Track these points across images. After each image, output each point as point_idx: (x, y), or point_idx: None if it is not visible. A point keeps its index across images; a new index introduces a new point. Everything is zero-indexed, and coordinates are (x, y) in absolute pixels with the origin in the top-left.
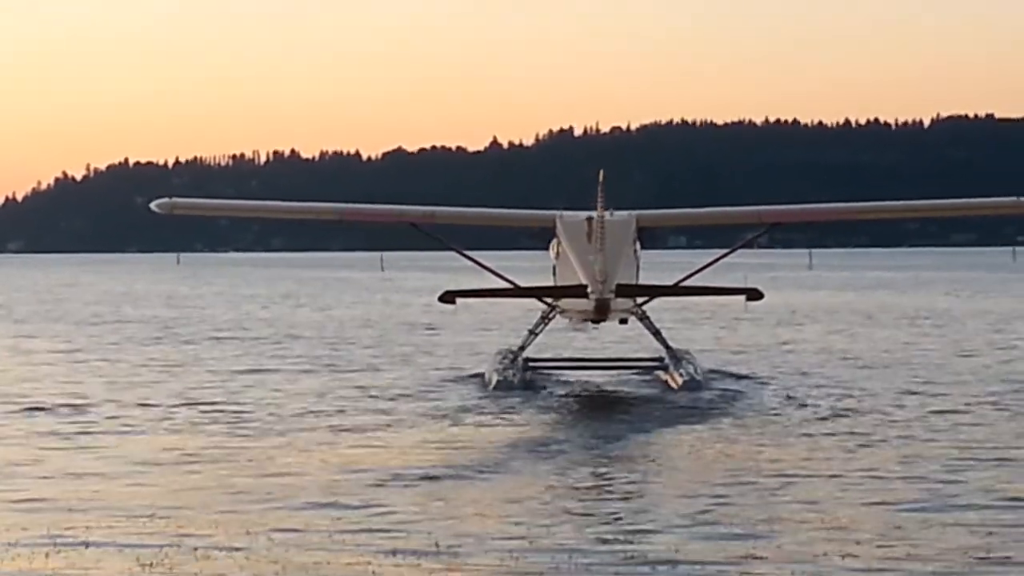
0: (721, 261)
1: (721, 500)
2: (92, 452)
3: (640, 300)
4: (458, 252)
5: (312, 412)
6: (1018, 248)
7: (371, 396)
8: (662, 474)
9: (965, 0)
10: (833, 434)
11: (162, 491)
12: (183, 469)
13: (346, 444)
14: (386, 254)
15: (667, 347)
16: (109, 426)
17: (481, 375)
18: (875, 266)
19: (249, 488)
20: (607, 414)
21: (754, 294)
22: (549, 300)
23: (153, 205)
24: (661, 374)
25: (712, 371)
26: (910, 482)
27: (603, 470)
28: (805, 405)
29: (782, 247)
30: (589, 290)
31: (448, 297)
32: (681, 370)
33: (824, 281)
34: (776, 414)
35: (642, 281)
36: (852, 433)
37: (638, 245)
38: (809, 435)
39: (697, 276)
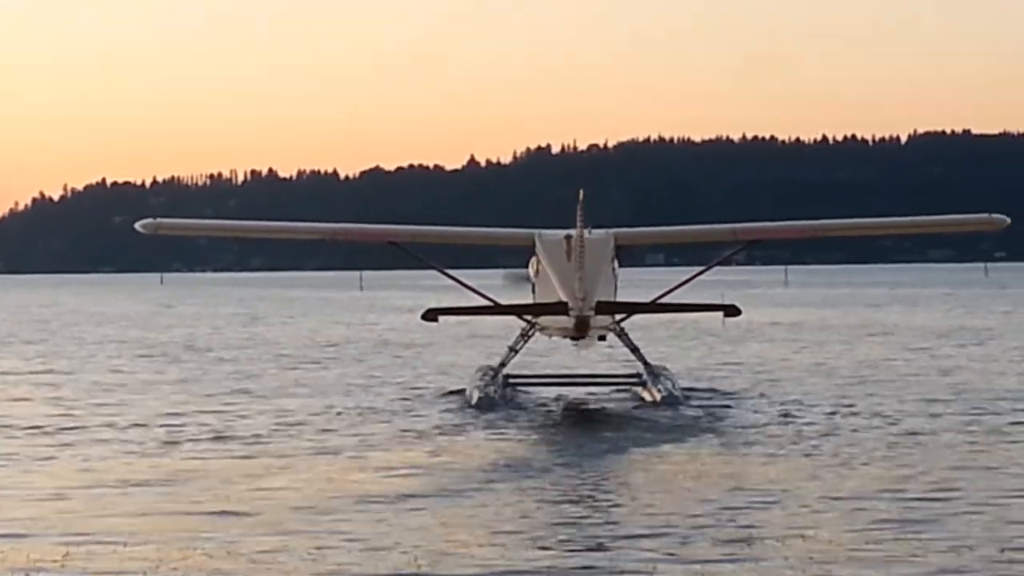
0: (699, 278)
1: (703, 521)
2: (65, 474)
3: (618, 317)
4: (439, 271)
5: (292, 432)
6: (990, 264)
7: (352, 415)
8: (643, 494)
9: (942, 16)
10: (816, 453)
11: (139, 514)
12: (159, 491)
13: (326, 464)
14: (366, 273)
15: (645, 363)
16: (84, 447)
17: (462, 391)
18: (851, 282)
19: (228, 509)
20: (589, 431)
21: (732, 310)
22: (529, 317)
23: (138, 225)
24: (639, 390)
25: (691, 388)
26: (893, 502)
27: (585, 490)
28: (787, 423)
29: (761, 264)
30: (569, 307)
31: (431, 315)
32: (659, 386)
33: (799, 298)
34: (757, 432)
35: (620, 298)
36: (835, 453)
37: (616, 263)
38: (792, 453)
39: (674, 293)
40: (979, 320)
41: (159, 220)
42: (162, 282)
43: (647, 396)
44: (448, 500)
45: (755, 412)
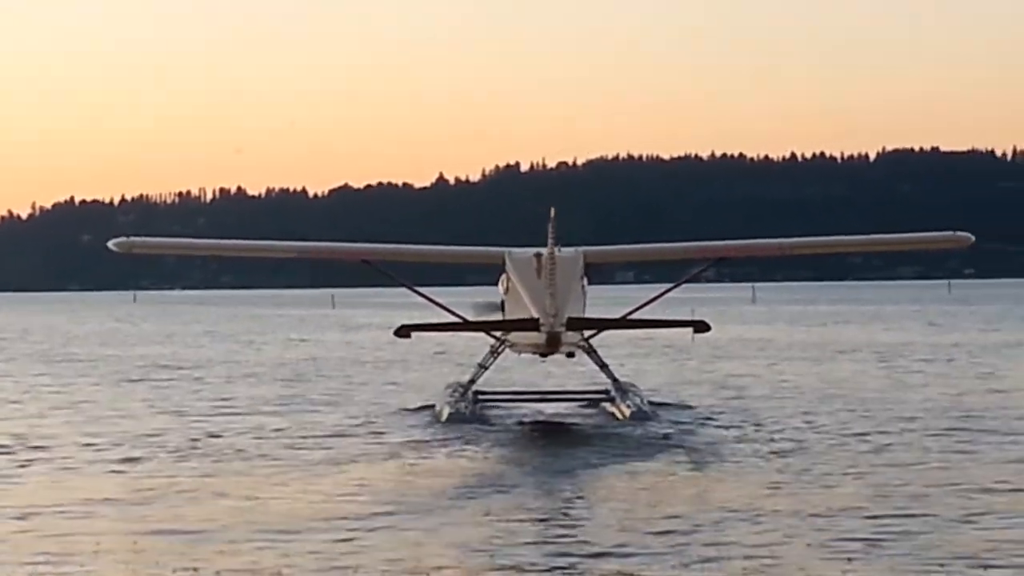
0: (669, 295)
1: (672, 539)
2: (40, 491)
3: (587, 334)
4: (409, 288)
5: (262, 450)
6: (957, 281)
7: (320, 432)
8: (612, 511)
9: (909, 34)
10: (784, 470)
11: (105, 533)
12: (126, 510)
13: (295, 481)
14: (336, 290)
15: (613, 379)
16: (59, 464)
17: (431, 407)
18: (818, 299)
19: (196, 527)
20: (558, 448)
21: (701, 326)
22: (498, 334)
23: (111, 244)
24: (608, 406)
25: (661, 403)
26: (862, 519)
27: (554, 508)
28: (756, 440)
29: (730, 281)
30: (541, 323)
31: (404, 331)
32: (628, 402)
33: (766, 315)
34: (727, 449)
35: (589, 315)
36: (804, 469)
37: (585, 280)
38: (760, 469)
39: (644, 310)
40: (943, 336)
41: (132, 239)
42: (135, 300)
43: (616, 412)
44: (417, 518)
45: (725, 429)
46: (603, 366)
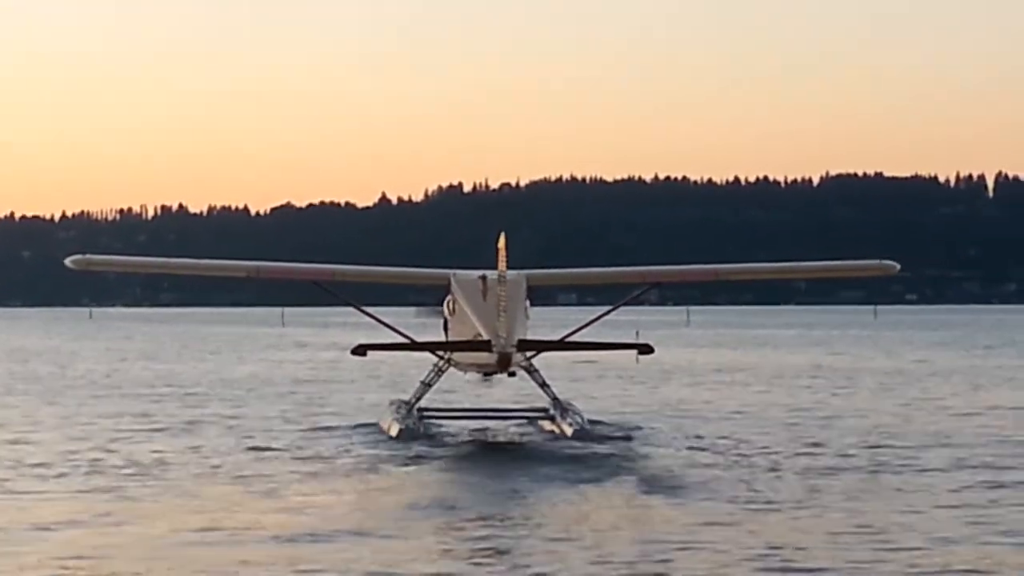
0: (610, 318)
1: (617, 571)
2: None
3: (529, 354)
4: (356, 308)
5: (206, 469)
6: (901, 306)
7: (266, 451)
8: (562, 536)
9: (854, 57)
10: (731, 498)
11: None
12: (71, 532)
13: (241, 502)
14: (285, 309)
15: (553, 398)
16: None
17: (375, 425)
18: (750, 324)
19: (138, 555)
20: (505, 470)
21: (646, 349)
22: (441, 353)
23: (68, 261)
24: (547, 424)
25: (599, 422)
26: (815, 548)
27: (500, 533)
28: (699, 463)
29: (673, 304)
30: (492, 344)
31: (360, 350)
32: (569, 420)
33: (698, 339)
34: (669, 472)
35: (531, 337)
36: (750, 492)
37: (528, 303)
38: (706, 497)
39: (583, 332)
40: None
41: (89, 256)
42: (91, 316)
43: (556, 429)
44: (361, 540)
45: (672, 452)
46: (543, 385)
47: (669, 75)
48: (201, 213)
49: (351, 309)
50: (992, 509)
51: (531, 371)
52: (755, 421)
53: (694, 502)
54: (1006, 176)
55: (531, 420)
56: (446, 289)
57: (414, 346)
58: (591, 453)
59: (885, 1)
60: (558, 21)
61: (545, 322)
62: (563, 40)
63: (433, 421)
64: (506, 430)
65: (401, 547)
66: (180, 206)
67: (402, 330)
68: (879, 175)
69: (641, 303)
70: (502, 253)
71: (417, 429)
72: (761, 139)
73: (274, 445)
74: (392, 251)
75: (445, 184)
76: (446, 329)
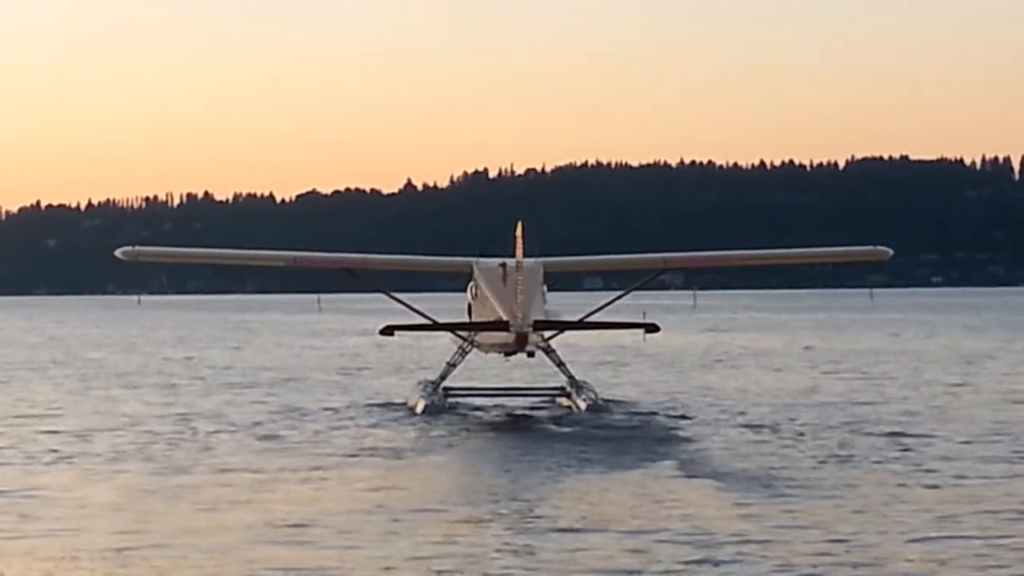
0: (634, 302)
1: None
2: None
3: (547, 335)
4: (386, 294)
5: (250, 452)
6: (926, 288)
7: (310, 439)
8: (608, 522)
9: (879, 40)
10: (774, 484)
11: (102, 535)
12: (116, 512)
13: (268, 489)
14: (318, 295)
15: (570, 376)
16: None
17: (403, 404)
18: (756, 307)
19: (155, 542)
20: (535, 450)
21: (652, 328)
22: (464, 335)
23: (118, 252)
24: (564, 400)
25: (612, 400)
26: (827, 542)
27: (535, 521)
28: (739, 448)
29: (699, 287)
30: (510, 324)
31: (388, 330)
32: (583, 396)
33: (702, 322)
34: (712, 456)
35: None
36: (788, 489)
37: (545, 288)
38: (729, 488)
39: (597, 314)
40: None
41: (138, 248)
42: (139, 303)
43: (572, 406)
44: (394, 530)
45: (710, 434)
46: (560, 364)
47: (694, 59)
48: (227, 200)
49: (381, 295)
50: None
51: (548, 351)
52: (785, 405)
53: (737, 488)
54: None
55: (549, 397)
56: (469, 275)
57: (438, 326)
58: (628, 435)
59: None
60: (583, 5)
61: (572, 306)
62: (588, 24)
63: (458, 398)
64: (536, 409)
65: (434, 532)
66: (206, 193)
67: (428, 314)
68: (905, 158)
69: (666, 287)
70: (519, 241)
71: (442, 406)
72: (787, 123)
73: (307, 429)
74: (418, 237)
75: (470, 170)
76: (470, 312)
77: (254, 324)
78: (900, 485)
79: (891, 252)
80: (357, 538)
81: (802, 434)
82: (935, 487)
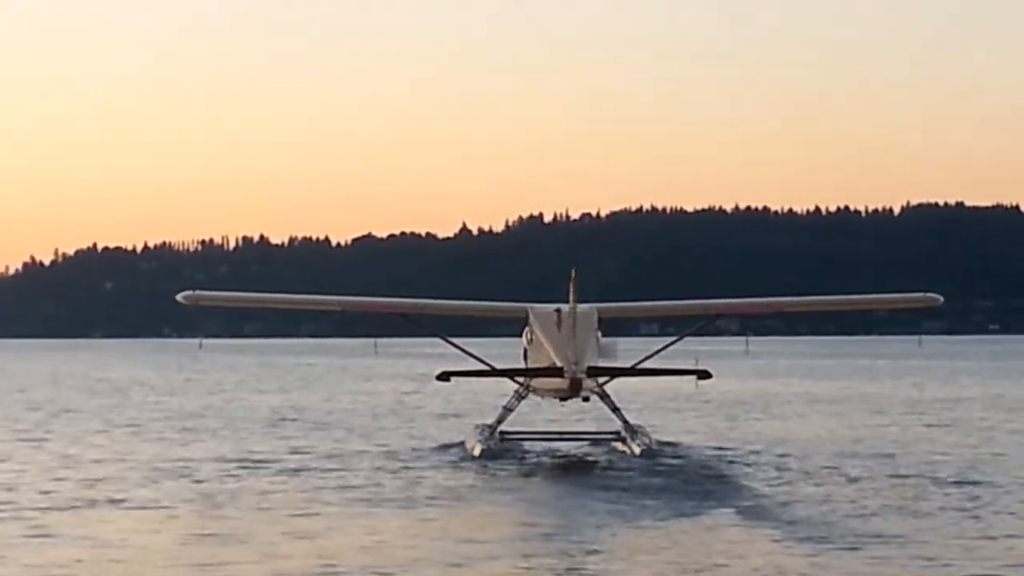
0: (681, 347)
1: None
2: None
3: (601, 380)
4: (443, 339)
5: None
6: (982, 336)
7: (366, 473)
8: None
9: (934, 85)
10: (831, 547)
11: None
12: (182, 551)
13: (328, 532)
14: (368, 339)
15: (624, 421)
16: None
17: (461, 444)
18: (807, 353)
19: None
20: (590, 495)
21: (704, 374)
22: (521, 380)
23: (179, 297)
24: (619, 445)
25: (667, 443)
26: None
27: (587, 562)
28: (797, 494)
29: (753, 333)
30: (564, 371)
31: (444, 376)
32: (638, 440)
33: (753, 368)
34: (759, 501)
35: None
36: (853, 538)
37: (599, 333)
38: (792, 537)
39: (650, 360)
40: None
41: (199, 292)
42: (200, 347)
43: (626, 450)
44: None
45: (766, 481)
46: (615, 409)
47: (750, 104)
48: (282, 243)
49: (437, 339)
50: None
51: (603, 396)
52: (841, 450)
53: (801, 537)
54: None
55: (603, 441)
56: (524, 321)
57: (494, 372)
58: (681, 482)
59: (965, 30)
60: (639, 51)
61: (628, 351)
62: (644, 69)
63: (514, 442)
64: (590, 454)
65: (494, 574)
66: (261, 236)
67: (484, 358)
68: (960, 204)
69: (721, 333)
70: (573, 287)
71: (498, 450)
72: (842, 169)
73: (363, 471)
74: (473, 281)
75: (526, 214)
76: (525, 358)
77: (318, 368)
78: (976, 538)
79: (941, 299)
80: None
81: (857, 480)
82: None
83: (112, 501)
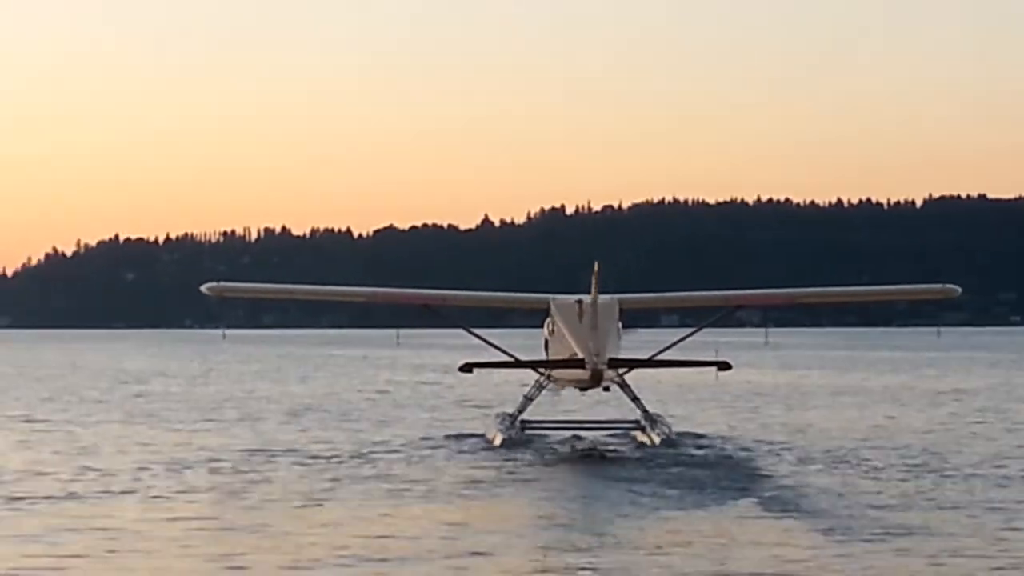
0: (700, 339)
1: None
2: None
3: (621, 370)
4: (465, 329)
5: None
6: (1004, 328)
7: (383, 463)
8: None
9: (958, 80)
10: (853, 537)
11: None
12: (204, 539)
13: (349, 520)
14: (391, 330)
15: (644, 411)
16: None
17: (482, 434)
18: (827, 345)
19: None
20: (613, 485)
21: (724, 365)
22: (542, 370)
23: (204, 288)
24: (639, 434)
25: (686, 433)
26: None
27: (607, 553)
28: (816, 485)
29: (775, 325)
30: (586, 362)
31: (467, 367)
32: (657, 430)
33: (774, 360)
34: (792, 496)
35: (624, 355)
36: (877, 529)
37: (620, 324)
38: (816, 528)
39: (670, 351)
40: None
41: (223, 284)
42: (224, 337)
43: (646, 439)
44: (468, 564)
45: (786, 471)
46: (635, 399)
47: (772, 97)
48: (304, 235)
49: (458, 330)
50: None
51: (623, 386)
52: (866, 442)
53: (824, 527)
54: None
55: (623, 430)
56: (546, 312)
57: (517, 364)
58: (705, 472)
59: (985, 27)
60: (659, 42)
61: (649, 342)
62: (665, 61)
63: (535, 431)
64: (611, 443)
65: (511, 566)
66: (283, 228)
67: (507, 349)
68: (982, 197)
69: (742, 324)
70: (595, 279)
71: (519, 439)
72: (864, 161)
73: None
74: (494, 273)
75: (547, 206)
76: (546, 348)
77: (340, 359)
78: (1001, 529)
79: (959, 290)
80: (434, 570)
81: (879, 470)
82: None
83: (129, 491)
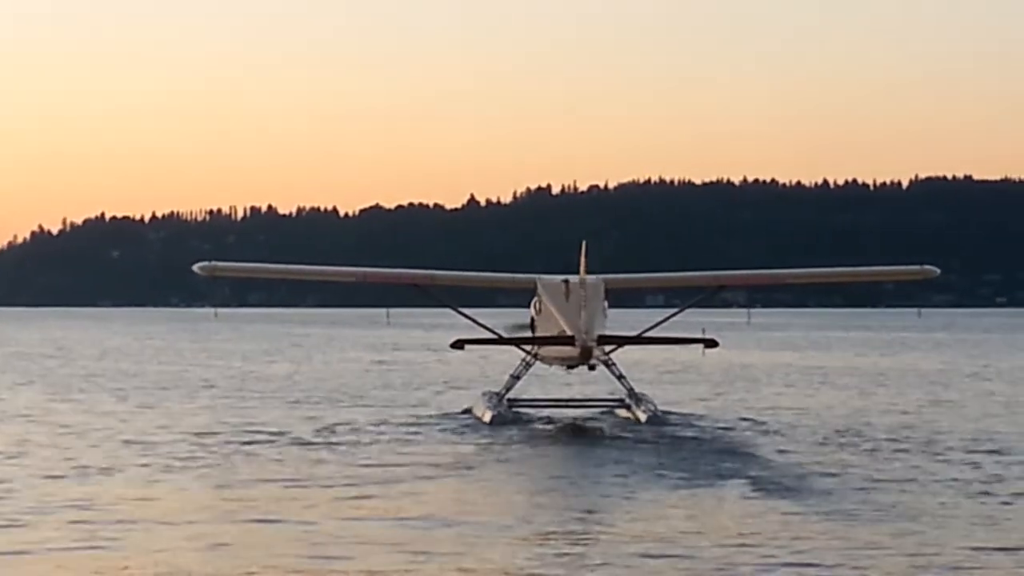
0: (686, 319)
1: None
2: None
3: (607, 349)
4: (454, 309)
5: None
6: (989, 309)
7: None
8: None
9: (944, 60)
10: (841, 518)
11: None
12: (191, 522)
13: (342, 499)
14: (380, 309)
15: (629, 389)
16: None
17: (468, 411)
18: (811, 325)
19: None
20: (601, 465)
21: (711, 343)
22: (529, 348)
23: (196, 268)
24: (623, 412)
25: (672, 412)
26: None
27: (593, 537)
28: (811, 467)
29: (762, 306)
30: (575, 339)
31: (459, 344)
32: (643, 407)
33: (757, 339)
34: (783, 478)
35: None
36: (864, 508)
37: (606, 304)
38: (809, 508)
39: (655, 330)
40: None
41: (215, 263)
42: (216, 316)
43: (632, 417)
44: (460, 547)
45: (778, 453)
46: (620, 377)
47: (757, 78)
48: (290, 214)
49: (445, 309)
50: None
51: (609, 364)
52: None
53: (815, 506)
54: None
55: (608, 408)
56: (532, 291)
57: (508, 340)
58: (693, 453)
59: (972, 5)
60: (644, 25)
61: (633, 322)
62: (650, 44)
63: (521, 409)
64: (596, 419)
65: (501, 546)
66: (269, 207)
67: (493, 328)
68: (968, 178)
69: (728, 305)
70: (583, 259)
71: (508, 417)
72: (850, 142)
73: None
74: (480, 253)
75: (533, 186)
76: (533, 327)
77: (338, 338)
78: (999, 508)
79: (938, 271)
80: (427, 548)
81: (871, 452)
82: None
83: (108, 470)
